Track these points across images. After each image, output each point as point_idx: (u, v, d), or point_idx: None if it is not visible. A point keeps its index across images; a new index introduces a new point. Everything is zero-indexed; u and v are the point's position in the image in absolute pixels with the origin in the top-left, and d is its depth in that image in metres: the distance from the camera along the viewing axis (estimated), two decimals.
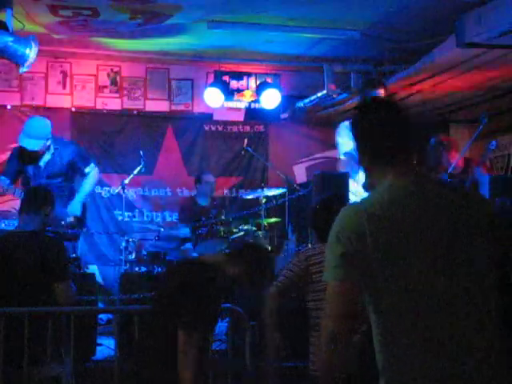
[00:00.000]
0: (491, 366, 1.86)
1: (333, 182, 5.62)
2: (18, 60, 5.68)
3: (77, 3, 6.33)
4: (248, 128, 8.98)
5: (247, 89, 8.34)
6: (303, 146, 9.06)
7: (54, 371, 3.91)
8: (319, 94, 8.03)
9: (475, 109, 7.92)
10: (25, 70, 5.88)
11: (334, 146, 7.38)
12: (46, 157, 6.15)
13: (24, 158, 6.15)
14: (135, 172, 7.27)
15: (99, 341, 5.82)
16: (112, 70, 8.53)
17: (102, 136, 8.58)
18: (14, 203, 6.50)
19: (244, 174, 8.87)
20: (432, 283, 1.85)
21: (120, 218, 8.05)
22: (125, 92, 8.58)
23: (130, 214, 8.42)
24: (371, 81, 5.95)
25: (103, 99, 8.52)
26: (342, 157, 5.44)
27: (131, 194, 8.42)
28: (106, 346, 5.86)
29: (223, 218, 6.98)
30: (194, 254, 6.73)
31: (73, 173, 6.32)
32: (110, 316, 6.62)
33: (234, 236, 6.77)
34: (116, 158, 8.53)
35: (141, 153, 7.31)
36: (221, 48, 7.76)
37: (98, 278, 7.48)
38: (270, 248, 6.42)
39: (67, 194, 6.21)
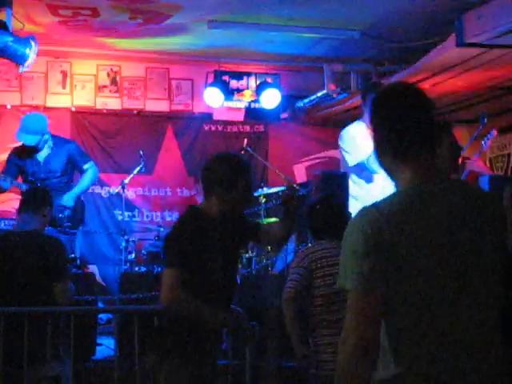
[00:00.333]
0: (497, 370, 1.83)
1: (333, 182, 5.61)
2: (17, 60, 5.68)
3: (76, 3, 6.33)
4: (248, 128, 8.97)
5: (247, 88, 8.34)
6: (303, 145, 9.06)
7: (53, 371, 3.92)
8: (319, 94, 8.04)
9: (475, 109, 7.92)
10: (25, 69, 5.88)
11: (334, 145, 7.37)
12: (45, 152, 6.18)
13: (22, 154, 6.18)
14: (135, 172, 7.27)
15: (99, 340, 5.82)
16: (112, 69, 8.53)
17: (101, 136, 8.58)
18: (14, 203, 6.50)
19: None
20: (445, 286, 1.79)
21: (120, 217, 8.04)
22: (125, 92, 8.57)
23: (130, 213, 8.41)
24: (373, 83, 5.93)
25: (103, 99, 8.51)
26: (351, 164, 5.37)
27: (131, 193, 8.41)
28: (105, 346, 5.86)
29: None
30: None
31: (72, 170, 6.35)
32: (109, 316, 6.61)
33: None
34: (116, 157, 8.53)
35: (141, 152, 7.31)
36: (221, 48, 7.76)
37: (98, 278, 7.49)
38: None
39: (66, 190, 6.23)
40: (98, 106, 8.50)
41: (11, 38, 5.53)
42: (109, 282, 7.79)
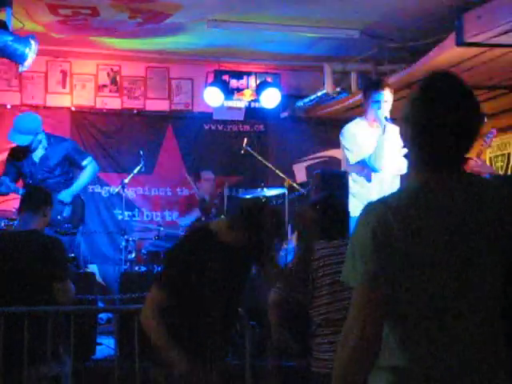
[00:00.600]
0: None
1: (333, 182, 5.61)
2: (17, 59, 5.68)
3: (76, 2, 6.33)
4: (248, 127, 8.97)
5: (247, 88, 8.34)
6: (303, 145, 9.05)
7: (53, 370, 3.91)
8: (319, 94, 8.04)
9: None
10: (24, 69, 5.88)
11: (334, 145, 7.37)
12: (40, 152, 6.14)
13: (18, 154, 6.16)
14: (135, 171, 7.27)
15: (99, 340, 5.82)
16: (112, 69, 8.53)
17: (101, 135, 8.58)
18: (14, 203, 6.50)
19: (243, 173, 8.86)
20: (447, 283, 1.76)
21: (120, 217, 8.05)
22: (125, 91, 8.57)
23: (130, 213, 8.42)
24: (375, 80, 5.92)
25: (103, 98, 8.52)
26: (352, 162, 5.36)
27: (131, 193, 8.41)
28: (105, 346, 5.86)
29: (223, 217, 6.98)
30: None
31: (70, 167, 6.31)
32: (109, 315, 6.62)
33: None
34: (116, 157, 8.53)
35: (141, 152, 7.31)
36: (221, 47, 7.76)
37: (98, 278, 7.49)
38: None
39: (65, 189, 6.21)
40: (98, 106, 8.51)
41: (11, 38, 5.53)
42: (109, 282, 7.79)
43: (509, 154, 8.36)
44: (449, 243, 1.77)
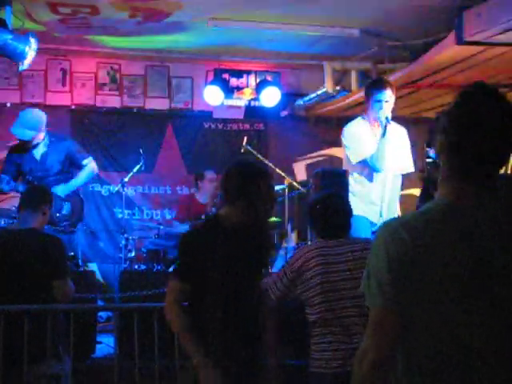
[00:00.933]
0: None
1: (333, 180, 5.60)
2: (17, 58, 5.68)
3: (76, 1, 6.33)
4: (248, 126, 8.97)
5: (247, 87, 8.34)
6: (303, 143, 9.05)
7: (53, 369, 3.91)
8: (319, 92, 8.04)
9: None
10: (24, 67, 5.88)
11: (333, 143, 7.37)
12: (41, 149, 6.13)
13: (19, 151, 6.15)
14: (135, 170, 7.26)
15: (99, 338, 5.83)
16: (112, 67, 8.53)
17: (101, 134, 8.58)
18: (14, 201, 6.50)
19: None
20: (466, 306, 1.70)
21: (120, 215, 8.05)
22: (124, 90, 8.57)
23: (130, 211, 8.43)
24: (377, 79, 5.90)
25: (103, 97, 8.52)
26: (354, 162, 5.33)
27: (131, 191, 8.42)
28: (105, 344, 5.87)
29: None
30: None
31: (70, 166, 6.30)
32: (109, 314, 6.62)
33: None
34: (116, 155, 8.53)
35: (140, 151, 7.30)
36: (220, 46, 7.76)
37: (98, 276, 7.48)
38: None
39: None
40: (98, 104, 8.51)
41: (11, 36, 5.53)
42: (109, 280, 7.79)
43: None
44: (464, 265, 1.70)
